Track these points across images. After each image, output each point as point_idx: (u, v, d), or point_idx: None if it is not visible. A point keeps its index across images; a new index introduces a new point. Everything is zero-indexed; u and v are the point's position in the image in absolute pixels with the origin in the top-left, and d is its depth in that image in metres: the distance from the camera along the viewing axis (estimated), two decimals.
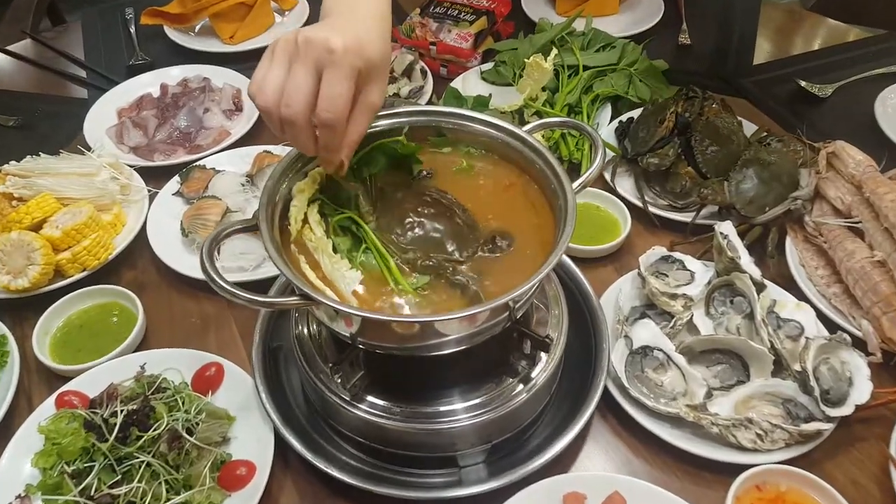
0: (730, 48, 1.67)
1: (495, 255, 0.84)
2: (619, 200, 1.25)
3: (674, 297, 1.06)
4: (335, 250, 0.83)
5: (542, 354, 0.91)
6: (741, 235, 1.13)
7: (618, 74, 1.47)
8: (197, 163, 1.31)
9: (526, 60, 1.34)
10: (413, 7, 1.66)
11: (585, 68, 1.45)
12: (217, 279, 0.75)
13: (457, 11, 1.60)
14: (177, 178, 1.29)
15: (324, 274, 0.81)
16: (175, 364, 1.02)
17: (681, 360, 0.99)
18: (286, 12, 1.78)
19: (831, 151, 1.18)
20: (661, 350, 1.00)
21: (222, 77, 1.53)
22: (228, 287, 0.75)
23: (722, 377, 1.01)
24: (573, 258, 1.14)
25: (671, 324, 1.05)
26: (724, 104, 1.34)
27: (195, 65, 1.58)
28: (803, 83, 1.55)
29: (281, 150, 1.30)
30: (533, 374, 0.90)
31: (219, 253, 1.15)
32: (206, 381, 1.01)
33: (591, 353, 1.01)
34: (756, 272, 1.09)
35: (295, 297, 0.76)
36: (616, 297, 1.10)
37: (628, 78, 1.47)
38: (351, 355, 0.85)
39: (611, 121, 1.42)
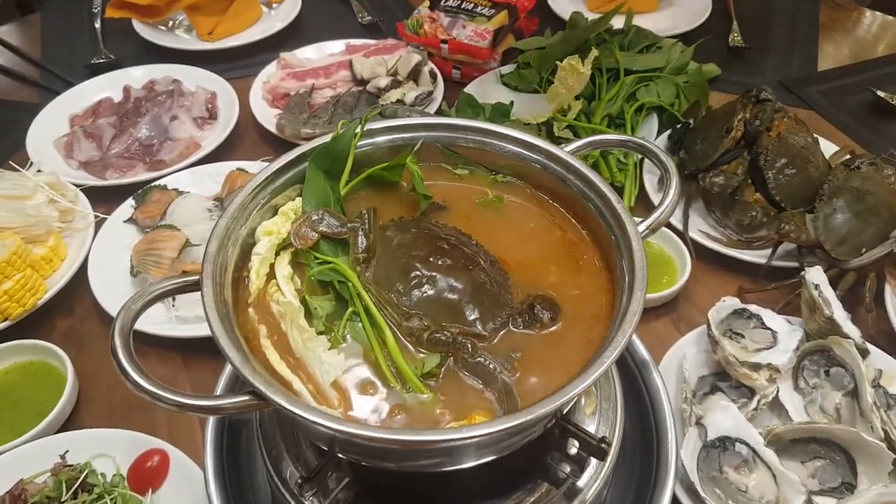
0: (792, 51, 1.44)
1: (533, 332, 0.60)
2: (672, 233, 1.01)
3: (756, 367, 0.82)
4: (310, 319, 0.59)
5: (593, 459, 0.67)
6: (831, 283, 0.90)
7: (663, 82, 1.23)
8: (157, 182, 1.08)
9: (558, 63, 1.10)
10: None
11: (627, 73, 1.21)
12: (130, 372, 0.51)
13: (472, 4, 1.37)
14: (131, 200, 1.06)
15: (293, 355, 0.58)
16: (109, 449, 0.79)
17: (771, 456, 0.75)
18: (274, 5, 1.55)
19: None
20: (744, 443, 0.76)
21: (196, 79, 1.30)
22: (147, 386, 0.51)
23: (822, 477, 0.77)
24: None
25: (753, 403, 0.81)
26: (797, 118, 1.10)
27: (166, 64, 1.35)
28: (881, 93, 1.31)
29: (260, 167, 1.07)
30: (580, 483, 0.66)
31: (174, 302, 0.91)
32: (147, 474, 0.77)
33: (652, 443, 0.77)
34: (856, 333, 0.85)
35: (243, 397, 0.52)
36: (679, 365, 0.86)
37: (675, 87, 1.23)
38: (330, 465, 0.62)
39: (657, 136, 1.18)
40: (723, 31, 1.51)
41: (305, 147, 0.66)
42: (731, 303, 0.90)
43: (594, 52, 1.11)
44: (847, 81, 1.38)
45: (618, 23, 1.35)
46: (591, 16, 1.41)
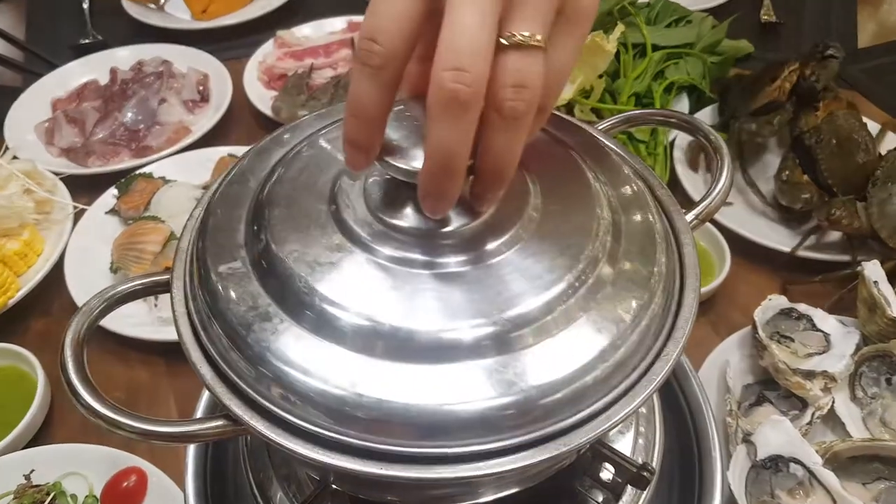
0: (830, 27, 1.33)
1: None
2: (709, 225, 0.92)
3: (809, 375, 0.72)
4: None
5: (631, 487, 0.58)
6: (888, 279, 0.80)
7: (693, 60, 1.13)
8: (142, 169, 0.99)
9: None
10: None
11: (655, 48, 1.11)
12: (82, 393, 0.42)
13: None
14: (113, 189, 0.97)
15: None
16: (81, 467, 0.70)
17: (830, 479, 0.65)
18: None
19: None
20: (800, 463, 0.66)
21: (188, 60, 1.21)
22: (102, 410, 0.42)
23: (888, 501, 0.68)
24: None
25: (807, 416, 0.71)
26: (849, 101, 1.00)
27: (156, 44, 1.26)
28: None
29: None
30: None
31: (156, 302, 0.82)
32: (123, 495, 0.68)
33: (693, 464, 0.68)
34: None
35: (218, 422, 0.43)
36: (722, 373, 0.76)
37: (703, 65, 1.13)
38: (325, 495, 0.53)
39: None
40: (754, 6, 1.40)
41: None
42: (777, 301, 0.80)
43: (620, 27, 1.01)
44: (891, 59, 1.27)
45: None
46: None
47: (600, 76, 1.07)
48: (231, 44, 1.32)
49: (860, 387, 0.75)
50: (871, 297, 0.75)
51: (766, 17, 1.37)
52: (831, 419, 0.73)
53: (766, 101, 1.01)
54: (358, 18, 1.30)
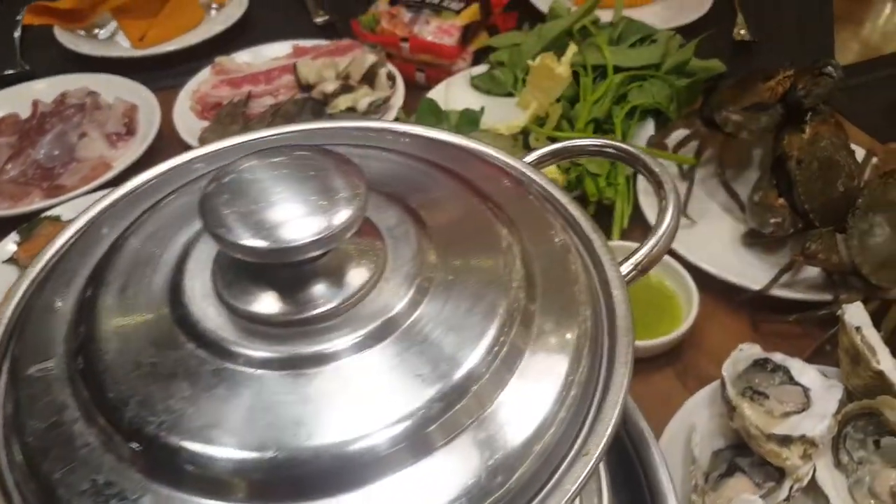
0: (806, 45, 1.25)
1: None
2: (674, 261, 0.82)
3: (786, 441, 0.63)
4: None
5: None
6: (872, 320, 0.71)
7: (658, 82, 1.05)
8: (50, 211, 0.90)
9: (530, 63, 0.92)
10: None
11: (617, 70, 1.03)
12: None
13: None
14: (14, 235, 0.87)
15: None
16: None
17: None
18: (215, 6, 1.37)
19: None
20: None
21: (117, 90, 1.12)
22: None
23: None
24: None
25: (784, 490, 0.61)
26: (838, 121, 0.92)
27: (83, 74, 1.17)
28: None
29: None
30: None
31: None
32: None
33: None
34: None
35: None
36: (688, 437, 0.67)
37: (670, 88, 1.05)
38: None
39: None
40: (727, 24, 1.33)
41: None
42: (750, 351, 0.71)
43: (572, 49, 0.93)
44: (871, 77, 1.19)
45: (607, 17, 1.17)
46: (576, 8, 1.23)
47: (558, 100, 0.99)
48: (170, 72, 1.24)
49: (845, 450, 0.65)
50: (852, 346, 0.66)
51: (739, 35, 1.30)
52: (813, 490, 0.64)
53: (756, 101, 0.95)
54: (305, 43, 1.22)
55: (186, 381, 0.31)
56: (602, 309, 0.42)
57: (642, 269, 0.46)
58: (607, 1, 1.21)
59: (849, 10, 1.41)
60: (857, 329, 0.68)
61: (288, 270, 0.33)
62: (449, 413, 0.31)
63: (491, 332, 0.34)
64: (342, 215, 0.31)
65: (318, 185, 0.33)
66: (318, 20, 1.35)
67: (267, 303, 0.33)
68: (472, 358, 0.33)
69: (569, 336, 0.37)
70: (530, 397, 0.34)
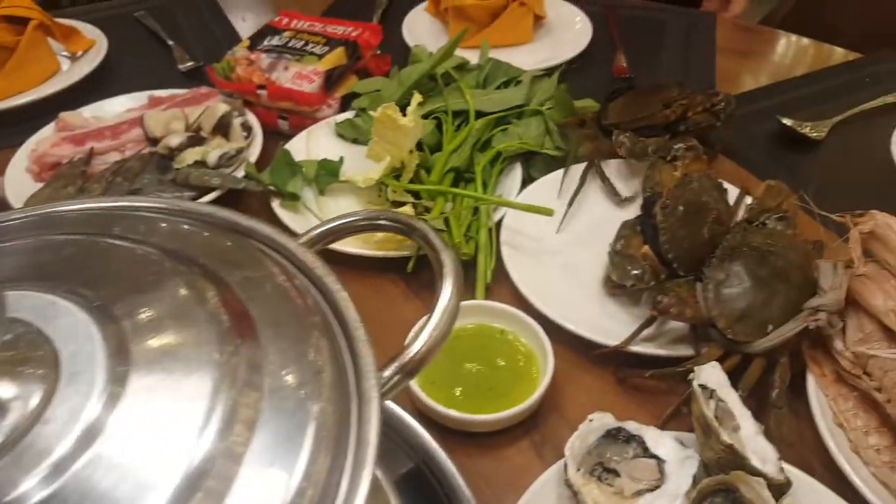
0: (687, 78, 1.23)
1: None
2: (525, 317, 0.76)
3: None
4: None
5: None
6: (730, 375, 0.66)
7: (528, 121, 1.01)
8: None
9: (372, 114, 0.87)
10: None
11: (479, 115, 0.98)
12: None
13: (303, 42, 1.13)
14: None
15: None
16: None
17: None
18: (76, 54, 1.29)
19: (868, 231, 0.72)
20: None
21: None
22: None
23: None
24: (450, 433, 0.65)
25: None
26: (710, 160, 0.90)
27: None
28: (787, 121, 1.11)
29: None
30: None
31: None
32: None
33: None
34: (772, 456, 0.61)
35: None
36: None
37: (544, 124, 1.01)
38: None
39: (522, 187, 0.95)
40: (607, 60, 1.30)
41: None
42: (602, 421, 0.65)
43: (417, 98, 0.88)
44: (750, 110, 1.17)
45: (477, 58, 1.13)
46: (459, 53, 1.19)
47: (421, 148, 0.94)
48: (14, 130, 1.14)
49: None
50: (702, 416, 0.61)
51: (619, 74, 1.27)
52: None
53: (648, 123, 0.98)
54: (161, 93, 1.14)
55: None
56: (351, 434, 0.35)
57: (409, 372, 0.39)
58: (474, 41, 1.18)
59: (734, 40, 1.41)
60: (712, 394, 0.63)
61: None
62: None
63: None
64: None
65: None
66: (183, 67, 1.27)
67: None
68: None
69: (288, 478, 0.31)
70: None
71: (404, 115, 0.84)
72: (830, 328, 0.70)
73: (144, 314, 0.36)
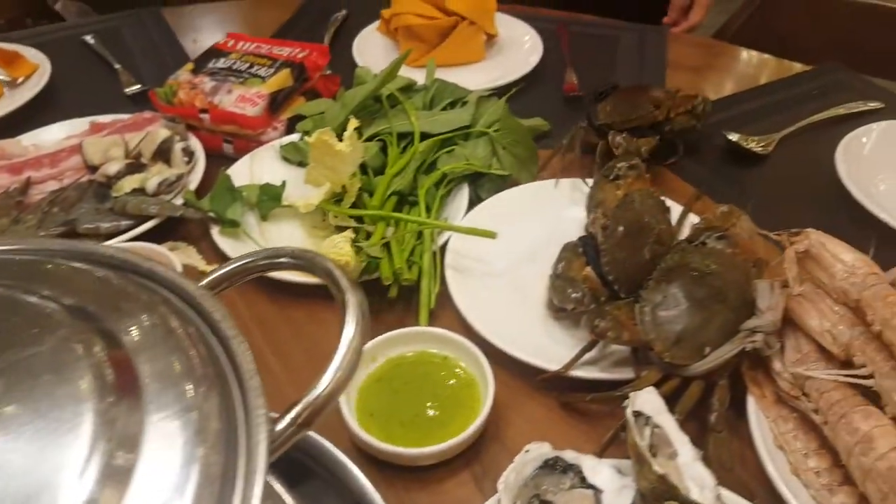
0: None
1: None
2: (467, 343, 0.75)
3: None
4: None
5: None
6: (668, 399, 0.65)
7: (476, 142, 1.00)
8: None
9: (307, 139, 0.85)
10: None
11: (425, 137, 0.97)
12: None
13: (248, 65, 1.12)
14: None
15: None
16: None
17: None
18: (17, 80, 1.26)
19: (803, 250, 0.72)
20: None
21: None
22: None
23: None
24: (389, 467, 0.64)
25: None
26: (653, 179, 0.91)
27: None
28: (734, 137, 1.12)
29: None
30: None
31: None
32: None
33: None
34: (709, 483, 0.60)
35: None
36: None
37: (491, 145, 1.00)
38: None
39: (469, 209, 0.94)
40: (560, 77, 1.31)
41: None
42: (538, 452, 0.64)
43: (353, 123, 0.87)
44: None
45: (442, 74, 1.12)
46: (404, 72, 1.18)
47: (365, 171, 0.93)
48: None
49: None
50: (633, 443, 0.60)
51: (569, 90, 1.27)
52: None
53: (638, 123, 1.03)
54: (103, 118, 1.11)
55: None
56: (236, 493, 0.34)
57: (305, 422, 0.38)
58: (425, 61, 1.17)
59: (684, 55, 1.42)
60: (646, 420, 0.63)
61: None
62: None
63: None
64: None
65: None
66: (129, 91, 1.25)
67: None
68: None
69: None
70: None
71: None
72: (768, 349, 0.69)
73: (22, 368, 0.35)
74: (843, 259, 0.69)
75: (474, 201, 0.96)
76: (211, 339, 0.40)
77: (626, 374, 0.75)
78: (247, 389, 0.37)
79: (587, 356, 0.75)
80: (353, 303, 0.40)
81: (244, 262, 0.44)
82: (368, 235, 0.86)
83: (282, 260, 0.43)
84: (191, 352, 0.38)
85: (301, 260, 0.42)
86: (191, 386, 0.36)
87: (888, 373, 0.62)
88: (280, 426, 0.37)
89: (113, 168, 0.95)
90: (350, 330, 0.40)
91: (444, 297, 0.84)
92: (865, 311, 0.65)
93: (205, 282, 0.44)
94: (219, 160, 1.04)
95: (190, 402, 0.35)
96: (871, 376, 0.63)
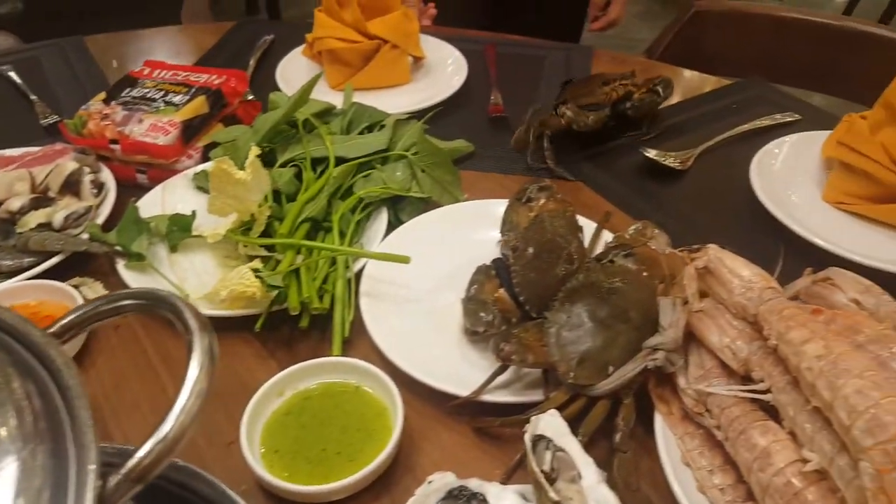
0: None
1: None
2: (378, 371, 0.74)
3: None
4: None
5: None
6: (571, 421, 0.65)
7: (394, 165, 0.99)
8: None
9: (205, 167, 0.84)
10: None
11: (340, 161, 0.96)
12: None
13: (162, 93, 1.10)
14: None
15: None
16: None
17: None
18: None
19: (703, 266, 0.72)
20: None
21: None
22: None
23: None
24: None
25: None
26: (564, 199, 0.91)
27: None
28: (651, 153, 1.13)
29: None
30: None
31: None
32: None
33: None
34: None
35: None
36: None
37: (411, 168, 1.00)
38: None
39: (387, 233, 0.93)
40: (486, 98, 1.31)
41: None
42: (442, 481, 0.63)
43: (255, 150, 0.85)
44: (617, 143, 1.19)
45: (362, 98, 1.12)
46: (330, 96, 1.17)
47: (277, 199, 0.91)
48: None
49: None
50: (531, 469, 0.59)
51: (494, 112, 1.28)
52: None
53: (594, 101, 1.12)
54: (11, 152, 1.08)
55: None
56: None
57: (138, 478, 0.36)
58: (344, 85, 1.16)
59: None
60: (548, 444, 0.62)
61: None
62: None
63: None
64: None
65: None
66: (45, 122, 1.22)
67: None
68: None
69: None
70: None
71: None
72: (671, 366, 0.69)
73: None
74: (741, 274, 0.69)
75: (395, 225, 0.95)
76: (53, 390, 0.38)
77: (537, 396, 0.74)
78: (81, 445, 0.35)
79: (500, 379, 0.74)
80: (200, 345, 0.39)
81: (88, 308, 0.42)
82: (277, 264, 0.84)
83: (124, 303, 0.41)
84: (24, 403, 0.36)
85: (145, 300, 0.41)
86: (19, 444, 0.34)
87: (784, 387, 0.62)
88: (112, 482, 0.35)
89: (16, 204, 0.92)
90: (194, 373, 0.38)
91: (360, 324, 0.83)
92: (762, 325, 0.65)
93: (54, 328, 0.42)
94: (132, 191, 1.01)
95: (14, 458, 0.34)
96: (768, 391, 0.64)
